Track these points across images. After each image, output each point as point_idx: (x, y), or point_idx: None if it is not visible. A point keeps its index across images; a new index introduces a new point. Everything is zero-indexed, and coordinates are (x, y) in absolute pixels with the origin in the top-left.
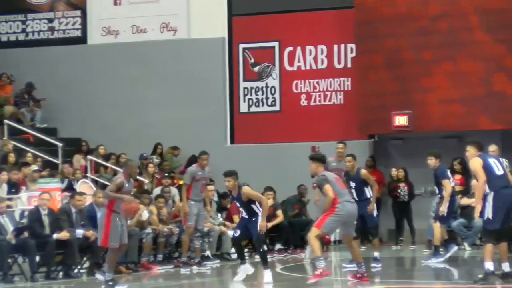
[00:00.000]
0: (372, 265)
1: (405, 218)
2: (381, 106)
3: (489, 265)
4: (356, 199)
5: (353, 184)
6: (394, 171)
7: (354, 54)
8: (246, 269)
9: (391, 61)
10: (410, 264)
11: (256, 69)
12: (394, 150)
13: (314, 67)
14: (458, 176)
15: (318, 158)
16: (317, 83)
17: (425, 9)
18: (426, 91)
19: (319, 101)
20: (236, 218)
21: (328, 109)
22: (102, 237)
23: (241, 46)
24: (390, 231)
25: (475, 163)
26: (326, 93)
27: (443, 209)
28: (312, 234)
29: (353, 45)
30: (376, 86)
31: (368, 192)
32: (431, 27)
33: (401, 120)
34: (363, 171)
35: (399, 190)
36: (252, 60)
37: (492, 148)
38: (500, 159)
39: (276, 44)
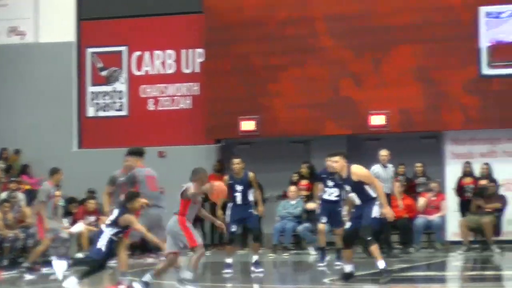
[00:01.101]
0: (252, 269)
1: None
2: (229, 111)
3: (381, 264)
4: (240, 202)
5: (239, 188)
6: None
7: (202, 59)
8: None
9: (239, 66)
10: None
11: (104, 73)
12: (241, 155)
13: (162, 71)
14: (304, 181)
15: (135, 152)
16: (165, 87)
17: (273, 15)
18: (274, 96)
19: (167, 105)
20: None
21: (176, 114)
22: (187, 239)
23: (89, 50)
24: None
25: (362, 170)
26: (174, 97)
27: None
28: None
29: (202, 50)
30: (224, 91)
31: (252, 196)
32: (278, 32)
33: (248, 125)
34: (251, 174)
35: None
36: (100, 65)
37: (384, 153)
38: (388, 165)
39: (124, 48)
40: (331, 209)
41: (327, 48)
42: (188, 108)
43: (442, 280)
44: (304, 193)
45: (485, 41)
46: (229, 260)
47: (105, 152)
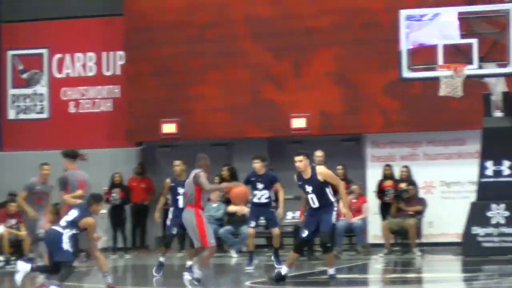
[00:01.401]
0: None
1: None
2: (150, 114)
3: (332, 271)
4: (183, 206)
5: (181, 191)
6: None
7: (123, 62)
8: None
9: (160, 69)
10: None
11: (24, 76)
12: (162, 158)
13: (83, 74)
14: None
15: (68, 154)
16: (86, 90)
17: (194, 17)
18: (195, 99)
19: (88, 108)
20: None
21: (97, 117)
22: (199, 238)
23: (10, 52)
24: (157, 239)
25: (328, 170)
26: (95, 100)
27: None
28: None
29: (122, 53)
30: (145, 94)
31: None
32: (199, 35)
33: (169, 128)
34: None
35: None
36: (21, 67)
37: (319, 153)
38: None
39: (45, 51)
40: (262, 212)
41: (248, 51)
42: (109, 110)
43: (364, 282)
44: (226, 196)
45: (405, 44)
46: (162, 259)
47: (26, 155)
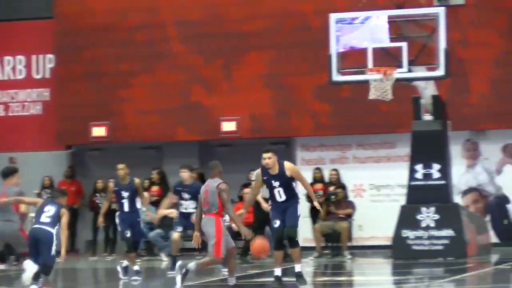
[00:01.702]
0: (133, 278)
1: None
2: (80, 117)
3: (297, 267)
4: (128, 209)
5: (126, 194)
6: (99, 183)
7: (53, 65)
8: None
9: (90, 71)
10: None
11: None
12: (92, 161)
13: (12, 77)
14: (156, 188)
15: None
16: (16, 93)
17: (124, 20)
18: (125, 102)
19: (18, 111)
20: None
21: (27, 120)
22: (214, 248)
23: None
24: (87, 242)
25: (295, 166)
26: (25, 103)
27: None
28: None
29: (52, 56)
30: (75, 97)
31: (139, 203)
32: (130, 38)
33: (99, 131)
34: (137, 181)
35: (97, 201)
36: None
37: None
38: None
39: None
40: (189, 222)
41: (178, 53)
42: (39, 113)
43: (295, 286)
44: (155, 199)
45: (335, 48)
46: (136, 267)
47: None
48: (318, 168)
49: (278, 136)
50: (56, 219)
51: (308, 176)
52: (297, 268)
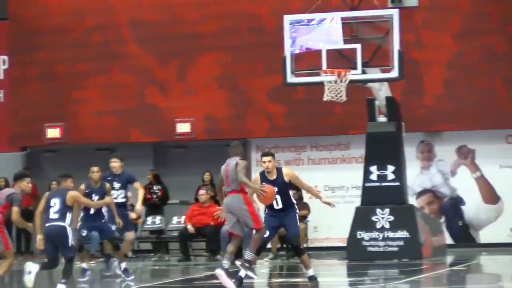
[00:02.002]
0: (122, 276)
1: None
2: (34, 118)
3: (311, 271)
4: (93, 212)
5: (96, 197)
6: (54, 184)
7: (6, 66)
8: None
9: (44, 73)
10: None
11: None
12: (47, 163)
13: None
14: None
15: None
16: None
17: (80, 21)
18: (79, 104)
19: None
20: None
21: None
22: (252, 221)
23: None
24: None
25: (293, 172)
26: None
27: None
28: None
29: (6, 57)
30: (29, 98)
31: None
32: (85, 39)
33: (53, 133)
34: (108, 185)
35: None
36: None
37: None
38: None
39: None
40: (119, 211)
41: (133, 55)
42: None
43: (251, 287)
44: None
45: (290, 49)
46: (84, 265)
47: None
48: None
49: (233, 138)
50: (64, 211)
51: None
52: (310, 272)
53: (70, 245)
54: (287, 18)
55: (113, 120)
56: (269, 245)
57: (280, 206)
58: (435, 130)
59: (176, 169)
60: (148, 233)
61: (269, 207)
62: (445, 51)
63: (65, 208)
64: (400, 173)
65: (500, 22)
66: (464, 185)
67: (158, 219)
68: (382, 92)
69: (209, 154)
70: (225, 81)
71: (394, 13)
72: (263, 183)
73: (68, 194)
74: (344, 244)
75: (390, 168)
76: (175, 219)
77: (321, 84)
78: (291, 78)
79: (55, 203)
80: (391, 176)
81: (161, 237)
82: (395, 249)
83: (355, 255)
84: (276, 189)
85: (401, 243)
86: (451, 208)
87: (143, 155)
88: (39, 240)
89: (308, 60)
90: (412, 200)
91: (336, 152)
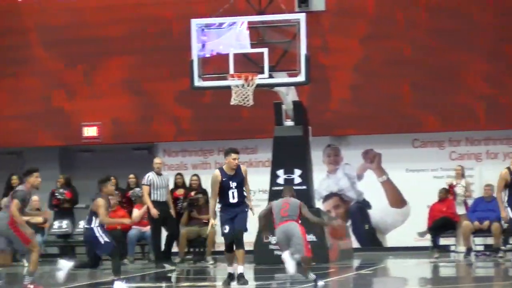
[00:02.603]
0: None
1: None
2: None
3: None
4: None
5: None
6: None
7: None
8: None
9: None
10: None
11: None
12: None
13: None
14: None
15: None
16: None
17: None
18: None
19: None
20: None
21: None
22: (304, 248)
23: None
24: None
25: (246, 168)
26: None
27: None
28: None
29: None
30: None
31: None
32: None
33: None
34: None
35: None
36: None
37: (158, 160)
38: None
39: None
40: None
41: (39, 58)
42: None
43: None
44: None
45: (197, 53)
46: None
47: None
48: (179, 174)
49: (140, 142)
50: (90, 216)
51: (171, 181)
52: (240, 269)
53: (103, 242)
54: (194, 22)
55: (20, 123)
56: (176, 249)
57: (236, 199)
58: (342, 134)
59: (83, 173)
60: (55, 237)
61: (224, 201)
62: (352, 55)
63: (91, 213)
64: (307, 177)
65: (406, 27)
66: (370, 189)
67: (64, 223)
68: (289, 96)
69: (116, 158)
70: (132, 85)
71: (301, 17)
72: (224, 179)
73: (96, 201)
74: (252, 248)
75: (297, 172)
76: (81, 223)
77: (228, 88)
78: (198, 82)
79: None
80: (298, 180)
81: (68, 241)
82: None
83: (262, 259)
84: (235, 184)
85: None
86: (358, 212)
87: (49, 159)
88: None
89: (215, 64)
90: (319, 204)
91: (243, 156)
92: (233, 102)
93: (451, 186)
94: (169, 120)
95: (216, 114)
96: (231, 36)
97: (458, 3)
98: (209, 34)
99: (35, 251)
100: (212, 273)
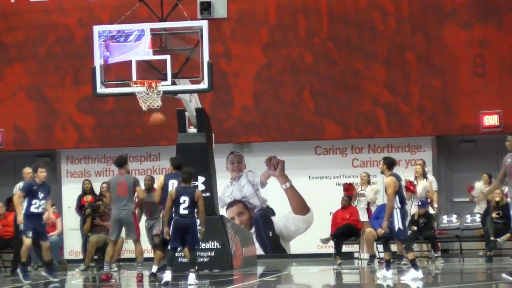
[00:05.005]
0: None
1: None
2: None
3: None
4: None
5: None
6: None
7: None
8: None
9: None
10: None
11: None
12: None
13: None
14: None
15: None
16: None
17: None
18: None
19: None
20: None
21: None
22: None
23: None
24: None
25: None
26: None
27: None
28: None
29: None
30: None
31: None
32: None
33: None
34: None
35: None
36: None
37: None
38: None
39: None
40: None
41: None
42: None
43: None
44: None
45: (99, 60)
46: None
47: None
48: (88, 180)
49: (42, 149)
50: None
51: (74, 188)
52: (154, 269)
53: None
54: (97, 29)
55: None
56: (79, 256)
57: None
58: (245, 141)
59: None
60: None
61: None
62: (254, 62)
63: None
64: (210, 184)
65: (307, 35)
66: (274, 196)
67: None
68: (192, 103)
69: (18, 165)
70: (33, 91)
71: (204, 24)
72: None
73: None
74: None
75: (200, 179)
76: None
77: (131, 95)
78: (100, 89)
79: (184, 200)
80: (201, 187)
81: None
82: (206, 260)
83: (167, 265)
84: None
85: (211, 254)
86: (261, 218)
87: None
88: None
89: (118, 71)
90: (222, 211)
91: (146, 163)
92: (144, 107)
93: (350, 185)
94: (71, 127)
95: (118, 121)
96: (130, 43)
97: (358, 12)
98: (108, 41)
99: (140, 243)
100: (117, 281)
